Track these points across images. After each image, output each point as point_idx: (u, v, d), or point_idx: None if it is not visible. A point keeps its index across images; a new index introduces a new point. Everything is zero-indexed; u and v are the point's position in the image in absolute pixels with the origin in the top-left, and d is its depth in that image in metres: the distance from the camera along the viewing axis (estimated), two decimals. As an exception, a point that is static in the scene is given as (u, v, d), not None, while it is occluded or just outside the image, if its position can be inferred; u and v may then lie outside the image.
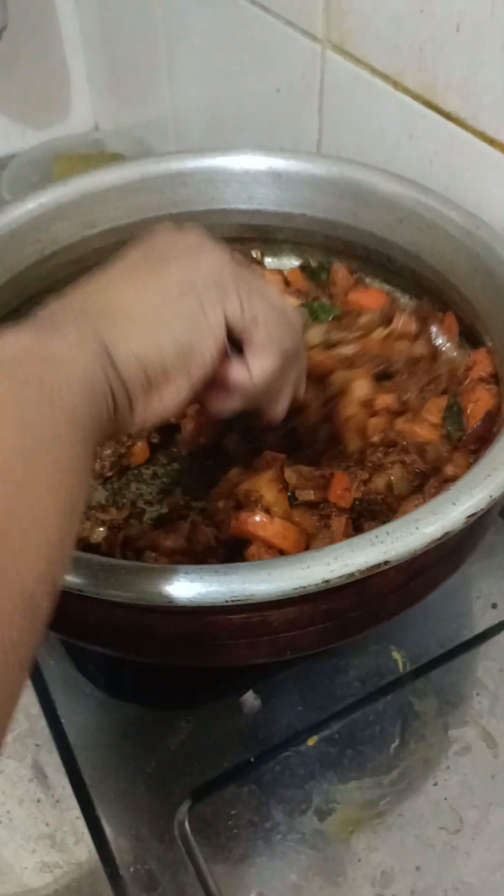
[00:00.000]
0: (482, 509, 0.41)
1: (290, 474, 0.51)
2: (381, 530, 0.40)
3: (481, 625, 0.58)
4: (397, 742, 0.52)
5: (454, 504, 0.41)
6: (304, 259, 0.71)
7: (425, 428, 0.55)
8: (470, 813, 0.49)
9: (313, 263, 0.70)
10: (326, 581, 0.39)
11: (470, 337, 0.61)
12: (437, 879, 0.47)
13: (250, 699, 0.54)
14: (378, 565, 0.39)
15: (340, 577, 0.39)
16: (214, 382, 0.41)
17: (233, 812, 0.49)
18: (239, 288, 0.39)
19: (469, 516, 0.41)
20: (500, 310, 0.54)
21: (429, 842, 0.48)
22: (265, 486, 0.50)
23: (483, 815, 0.49)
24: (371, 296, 0.66)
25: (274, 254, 0.71)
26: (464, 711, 0.54)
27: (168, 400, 0.37)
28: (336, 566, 0.39)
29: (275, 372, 0.42)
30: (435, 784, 0.51)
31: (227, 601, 0.37)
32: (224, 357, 0.40)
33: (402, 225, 0.63)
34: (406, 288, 0.66)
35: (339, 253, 0.69)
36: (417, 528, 0.40)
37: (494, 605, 0.59)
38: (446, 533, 0.41)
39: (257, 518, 0.47)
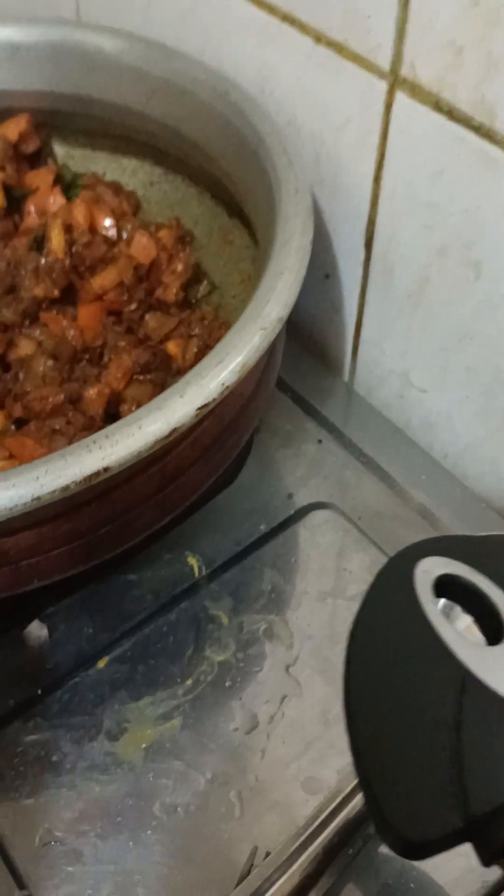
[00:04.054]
0: (214, 399, 0.38)
1: None
2: (100, 434, 0.36)
3: (277, 518, 0.56)
4: (191, 650, 0.50)
5: (181, 397, 0.37)
6: (67, 143, 0.64)
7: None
8: (264, 709, 0.48)
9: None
10: (37, 498, 0.35)
11: (236, 210, 0.56)
12: (233, 781, 0.46)
13: (36, 630, 0.51)
14: (97, 473, 0.36)
15: (52, 491, 0.35)
16: None
17: (18, 750, 0.46)
18: None
19: (199, 408, 0.38)
20: (253, 178, 0.50)
21: (225, 745, 0.47)
22: None
23: (277, 708, 0.48)
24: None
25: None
26: (258, 608, 0.52)
27: None
28: (46, 480, 0.35)
29: None
30: (229, 686, 0.49)
31: None
32: None
33: (155, 95, 0.57)
34: (175, 168, 0.61)
35: (101, 135, 0.63)
36: (140, 428, 0.36)
37: (290, 496, 0.57)
38: (174, 429, 0.37)
39: None
